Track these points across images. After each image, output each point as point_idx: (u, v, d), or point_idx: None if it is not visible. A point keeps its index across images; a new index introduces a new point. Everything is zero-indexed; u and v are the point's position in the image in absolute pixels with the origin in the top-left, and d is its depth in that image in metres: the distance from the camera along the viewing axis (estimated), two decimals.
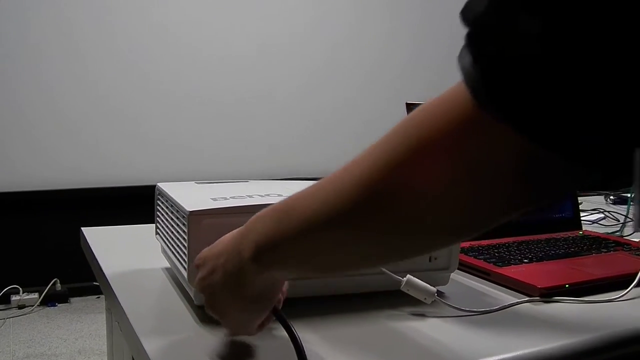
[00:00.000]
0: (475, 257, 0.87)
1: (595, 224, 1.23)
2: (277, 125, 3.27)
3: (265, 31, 3.17)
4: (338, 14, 3.33)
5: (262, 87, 3.20)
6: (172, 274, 0.79)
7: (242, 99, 3.17)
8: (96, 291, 2.94)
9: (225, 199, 0.66)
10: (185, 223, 0.62)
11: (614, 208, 1.40)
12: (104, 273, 0.80)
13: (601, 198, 1.55)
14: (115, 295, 0.71)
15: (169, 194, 0.71)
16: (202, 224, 0.61)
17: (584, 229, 1.10)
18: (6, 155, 2.78)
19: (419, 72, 3.58)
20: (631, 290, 0.76)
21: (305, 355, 0.50)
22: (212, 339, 0.59)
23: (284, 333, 0.59)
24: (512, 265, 0.83)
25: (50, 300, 2.87)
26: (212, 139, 3.13)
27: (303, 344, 0.51)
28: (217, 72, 3.10)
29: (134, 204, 2.43)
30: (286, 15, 3.20)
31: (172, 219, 0.70)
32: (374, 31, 3.43)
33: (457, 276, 0.84)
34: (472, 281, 0.82)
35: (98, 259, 0.86)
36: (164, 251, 0.78)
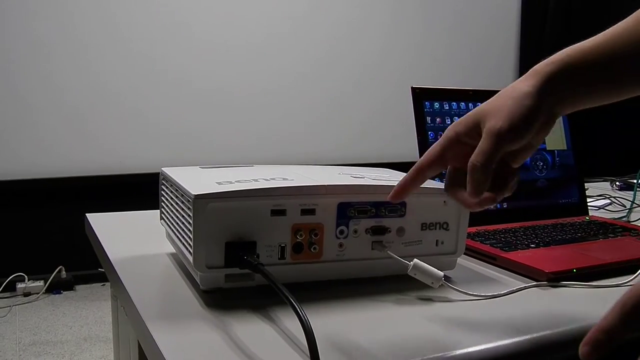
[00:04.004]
0: (481, 242, 0.86)
1: (602, 210, 1.22)
2: (281, 113, 3.26)
3: (268, 19, 3.15)
4: (342, 1, 3.31)
5: (266, 75, 3.19)
6: (178, 259, 0.79)
7: (246, 88, 3.16)
8: (101, 278, 2.96)
9: (231, 182, 0.65)
10: (190, 207, 0.61)
11: (620, 194, 1.39)
12: (109, 259, 0.80)
13: (607, 184, 1.54)
14: (121, 281, 0.71)
15: (174, 178, 0.70)
16: (208, 208, 0.60)
17: (590, 215, 1.09)
18: (9, 143, 2.78)
19: (424, 62, 3.56)
20: (639, 275, 0.76)
21: (314, 339, 0.50)
22: (218, 324, 0.59)
23: (293, 318, 0.59)
24: (519, 250, 0.82)
25: (55, 288, 2.88)
26: (215, 127, 3.13)
27: (312, 328, 0.51)
28: (221, 61, 3.08)
29: (138, 191, 2.44)
30: (289, 3, 3.18)
31: (177, 203, 0.70)
32: (377, 19, 3.41)
33: (464, 261, 0.84)
34: (478, 266, 0.82)
35: (103, 245, 0.86)
36: (168, 236, 0.78)
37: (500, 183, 0.59)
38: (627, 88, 0.58)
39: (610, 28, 0.58)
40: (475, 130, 0.58)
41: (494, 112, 0.56)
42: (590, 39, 0.58)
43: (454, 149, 0.59)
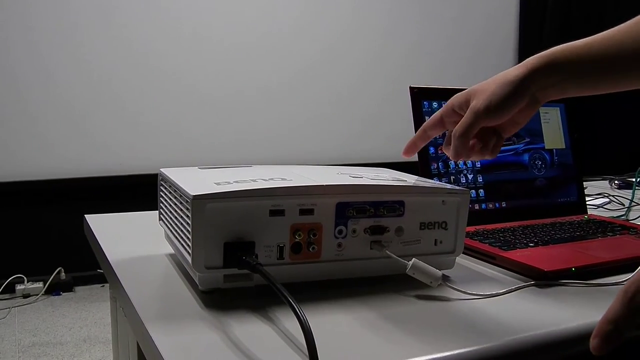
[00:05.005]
0: (480, 241, 0.86)
1: (601, 208, 1.22)
2: (281, 113, 3.26)
3: (267, 19, 3.15)
4: (341, 0, 3.31)
5: (265, 75, 3.19)
6: (177, 260, 0.79)
7: (245, 88, 3.16)
8: (100, 279, 2.96)
9: (229, 183, 0.65)
10: (189, 208, 0.61)
11: (619, 192, 1.39)
12: (107, 260, 0.80)
13: (606, 183, 1.54)
14: (120, 282, 0.71)
15: (172, 179, 0.70)
16: (206, 208, 0.60)
17: (589, 213, 1.09)
18: (9, 145, 2.77)
19: (422, 61, 3.56)
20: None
21: (313, 339, 0.50)
22: (217, 324, 0.59)
23: (292, 318, 0.59)
24: (518, 249, 0.82)
25: (54, 289, 2.88)
26: (214, 127, 3.13)
27: (311, 328, 0.51)
28: (220, 61, 3.08)
29: (137, 192, 2.44)
30: (287, 3, 3.18)
31: (175, 204, 0.70)
32: (376, 18, 3.41)
33: (463, 260, 0.84)
34: (477, 265, 0.82)
35: (102, 246, 0.86)
36: (167, 237, 0.78)
37: (489, 146, 0.70)
38: (617, 83, 0.64)
39: (604, 31, 0.64)
40: (465, 104, 0.67)
41: (480, 93, 0.66)
42: (584, 38, 0.64)
43: (450, 116, 0.70)
